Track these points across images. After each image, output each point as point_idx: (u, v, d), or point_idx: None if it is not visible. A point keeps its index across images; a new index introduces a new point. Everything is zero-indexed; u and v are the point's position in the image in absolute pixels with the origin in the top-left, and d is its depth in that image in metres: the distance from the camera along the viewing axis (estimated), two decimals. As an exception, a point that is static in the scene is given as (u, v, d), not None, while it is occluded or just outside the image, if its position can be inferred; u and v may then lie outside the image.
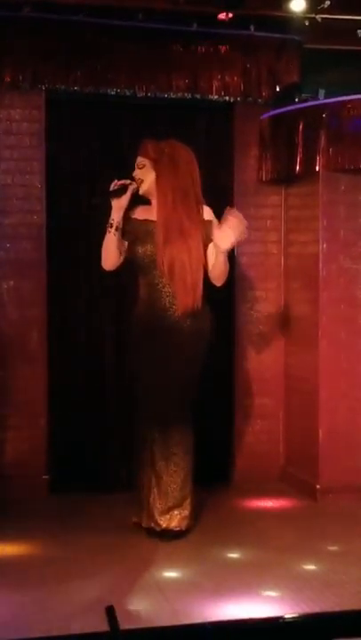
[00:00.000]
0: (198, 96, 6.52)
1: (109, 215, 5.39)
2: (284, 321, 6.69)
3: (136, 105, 6.51)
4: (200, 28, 6.46)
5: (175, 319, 5.33)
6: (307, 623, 2.30)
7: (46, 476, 6.31)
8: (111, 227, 5.39)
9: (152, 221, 5.39)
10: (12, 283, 6.27)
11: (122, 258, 5.45)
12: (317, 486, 6.19)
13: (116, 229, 5.38)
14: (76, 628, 4.04)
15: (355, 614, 2.42)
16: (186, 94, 6.49)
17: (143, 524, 5.43)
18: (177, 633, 1.97)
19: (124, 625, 2.01)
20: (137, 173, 5.45)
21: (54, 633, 3.53)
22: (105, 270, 5.54)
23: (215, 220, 5.34)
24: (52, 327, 6.37)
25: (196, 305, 5.30)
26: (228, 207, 5.29)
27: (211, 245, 5.35)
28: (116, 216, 5.38)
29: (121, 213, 5.38)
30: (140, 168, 5.43)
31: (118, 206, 5.37)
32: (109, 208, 5.38)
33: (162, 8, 6.33)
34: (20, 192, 6.27)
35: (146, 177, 5.42)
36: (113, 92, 6.39)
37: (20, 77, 6.20)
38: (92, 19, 6.30)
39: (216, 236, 5.22)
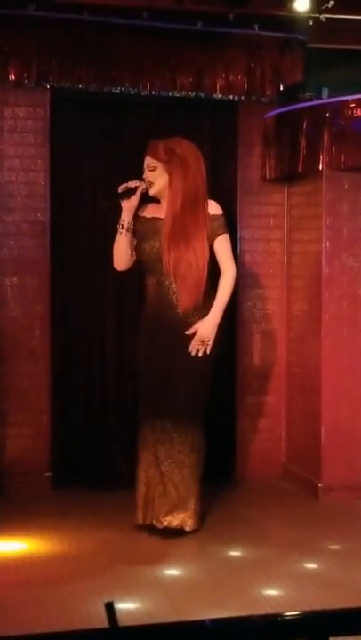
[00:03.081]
0: (202, 95, 6.53)
1: (119, 216, 5.40)
2: (287, 319, 6.69)
3: (140, 103, 6.52)
4: (204, 27, 6.46)
5: (183, 317, 5.34)
6: (306, 620, 2.31)
7: (49, 473, 6.32)
8: (122, 227, 5.39)
9: (160, 219, 5.39)
10: (15, 279, 6.29)
11: (133, 258, 5.46)
12: (319, 485, 6.20)
13: (127, 230, 5.39)
14: (78, 625, 4.05)
15: (354, 612, 2.43)
16: (190, 93, 6.49)
17: (145, 522, 5.42)
18: (176, 630, 1.98)
19: (125, 622, 2.03)
20: (148, 175, 5.40)
21: (56, 629, 3.54)
22: (117, 271, 5.56)
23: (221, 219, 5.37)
24: (54, 324, 6.39)
25: (198, 302, 5.31)
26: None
27: (217, 240, 5.37)
28: (127, 217, 5.38)
29: (132, 214, 5.38)
30: (152, 170, 5.39)
31: (129, 207, 5.37)
32: (119, 209, 5.39)
33: (166, 7, 6.32)
34: (24, 190, 6.29)
35: (157, 179, 5.38)
36: (117, 91, 6.40)
37: (25, 75, 6.21)
38: (96, 17, 6.30)
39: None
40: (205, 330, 5.31)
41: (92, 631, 1.87)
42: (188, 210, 5.33)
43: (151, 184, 5.39)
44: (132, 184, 5.36)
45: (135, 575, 4.79)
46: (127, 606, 4.32)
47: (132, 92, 6.42)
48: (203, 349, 5.30)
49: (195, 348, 5.29)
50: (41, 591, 4.57)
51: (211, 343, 5.31)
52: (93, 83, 6.35)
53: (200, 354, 5.30)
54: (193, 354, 5.30)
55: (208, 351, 5.31)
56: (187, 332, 5.30)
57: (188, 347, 5.32)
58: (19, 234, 6.28)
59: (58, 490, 6.28)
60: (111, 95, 6.42)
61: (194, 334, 5.30)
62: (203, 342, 5.30)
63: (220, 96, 6.55)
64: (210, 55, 6.49)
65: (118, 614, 2.00)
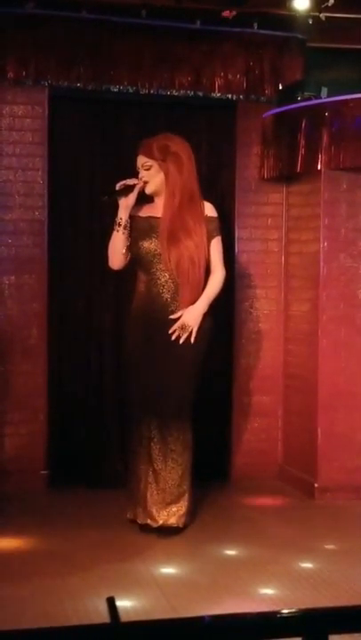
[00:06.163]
0: (201, 94, 6.52)
1: (115, 214, 5.39)
2: (284, 319, 6.69)
3: (138, 102, 6.52)
4: (203, 26, 6.46)
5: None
6: (304, 618, 2.31)
7: (45, 472, 6.32)
8: (119, 226, 5.39)
9: (156, 218, 5.40)
10: (12, 278, 6.28)
11: (129, 256, 5.45)
12: (315, 485, 6.19)
13: (124, 228, 5.38)
14: (75, 622, 4.05)
15: (353, 609, 2.42)
16: (188, 92, 6.48)
17: (139, 521, 5.42)
18: (176, 625, 1.98)
19: (121, 620, 2.02)
20: (143, 175, 5.41)
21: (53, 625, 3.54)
22: (112, 269, 5.55)
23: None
24: (52, 323, 6.38)
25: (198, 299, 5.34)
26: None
27: (212, 242, 5.38)
28: (124, 215, 5.37)
29: (128, 212, 5.37)
30: (147, 169, 5.40)
31: (126, 205, 5.36)
32: (115, 207, 5.39)
33: (165, 5, 6.32)
34: (21, 188, 6.28)
35: (152, 178, 5.39)
36: (115, 89, 6.40)
37: (24, 73, 6.21)
38: (95, 15, 6.30)
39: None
40: (189, 316, 5.33)
41: (94, 626, 1.86)
42: (186, 206, 5.35)
43: (146, 182, 5.40)
44: (131, 182, 5.36)
45: (131, 573, 4.79)
46: (123, 604, 4.31)
47: (131, 91, 6.41)
48: (184, 337, 5.30)
49: (176, 332, 5.30)
50: (38, 588, 4.56)
51: (194, 333, 5.32)
52: (92, 81, 6.34)
53: (180, 340, 5.30)
54: (173, 338, 5.30)
55: (192, 340, 5.31)
56: (171, 317, 5.31)
57: (178, 346, 5.33)
58: (16, 232, 6.27)
59: (54, 488, 6.27)
60: (109, 94, 6.41)
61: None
62: (184, 328, 5.30)
63: (218, 95, 6.55)
64: (208, 54, 6.48)
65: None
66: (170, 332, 5.30)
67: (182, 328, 5.31)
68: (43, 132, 6.31)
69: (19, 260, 6.27)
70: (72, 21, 6.30)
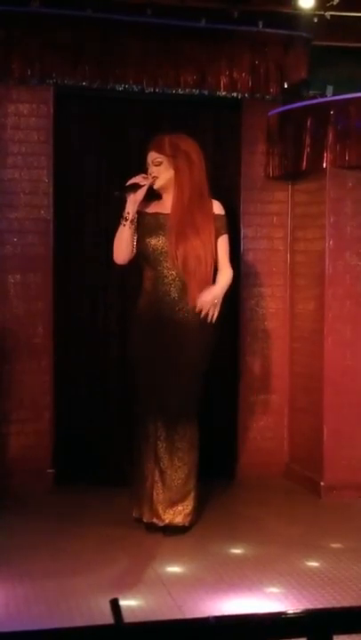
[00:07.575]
0: (206, 92, 6.51)
1: (123, 209, 5.39)
2: (290, 318, 6.68)
3: (144, 100, 6.52)
4: (208, 24, 6.45)
5: (183, 313, 5.34)
6: (310, 618, 2.31)
7: (51, 470, 6.32)
8: (126, 220, 5.38)
9: (164, 214, 5.40)
10: (18, 277, 6.27)
11: (134, 251, 5.46)
12: (321, 483, 6.19)
13: (131, 222, 5.39)
14: (80, 621, 4.06)
15: (358, 609, 2.42)
16: (194, 90, 6.47)
17: (145, 520, 5.42)
18: (180, 627, 1.98)
19: (127, 619, 2.02)
20: (153, 170, 5.42)
21: (57, 625, 3.54)
22: (116, 264, 5.55)
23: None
24: (57, 321, 6.38)
25: None
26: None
27: (219, 240, 5.39)
28: (131, 209, 5.37)
29: (136, 207, 5.37)
30: (157, 165, 5.40)
31: (134, 200, 5.36)
32: (124, 202, 5.39)
33: (170, 4, 6.34)
34: (27, 187, 6.27)
35: (162, 173, 5.39)
36: (121, 88, 6.39)
37: (29, 72, 6.20)
38: (100, 14, 6.30)
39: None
40: (209, 294, 5.29)
41: (97, 628, 1.86)
42: (195, 204, 5.36)
43: (155, 178, 5.40)
44: (143, 182, 5.35)
45: (137, 572, 4.80)
46: (129, 603, 4.32)
47: (136, 90, 6.40)
48: (215, 311, 5.29)
49: (204, 309, 5.28)
50: (43, 587, 4.56)
51: (218, 306, 5.30)
52: (97, 80, 6.33)
53: (213, 317, 5.29)
54: (202, 315, 5.28)
55: (214, 316, 5.30)
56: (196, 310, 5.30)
57: (187, 342, 5.33)
58: (22, 231, 6.27)
59: (60, 487, 6.27)
60: (114, 92, 6.40)
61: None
62: (213, 305, 5.30)
63: (223, 93, 6.53)
64: (214, 52, 6.47)
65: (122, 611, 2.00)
66: (196, 311, 5.29)
67: (210, 304, 5.29)
68: (48, 131, 6.30)
69: (24, 258, 6.27)
70: (77, 20, 6.29)
